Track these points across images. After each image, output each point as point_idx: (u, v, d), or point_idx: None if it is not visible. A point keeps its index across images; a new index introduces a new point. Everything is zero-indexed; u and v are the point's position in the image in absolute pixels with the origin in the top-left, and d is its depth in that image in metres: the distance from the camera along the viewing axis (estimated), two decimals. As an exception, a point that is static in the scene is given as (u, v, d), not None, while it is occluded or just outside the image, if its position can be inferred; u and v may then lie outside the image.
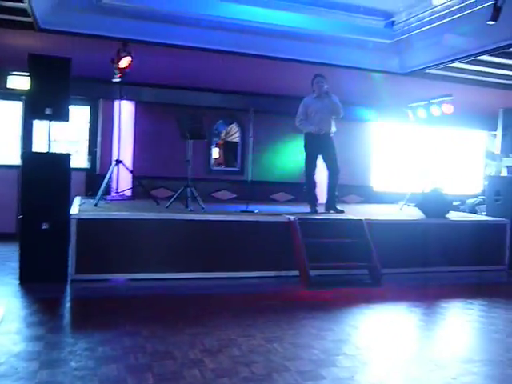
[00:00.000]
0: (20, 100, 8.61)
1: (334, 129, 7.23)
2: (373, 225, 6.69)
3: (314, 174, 7.28)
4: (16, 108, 8.71)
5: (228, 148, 10.17)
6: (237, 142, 9.94)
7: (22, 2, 6.51)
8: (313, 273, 5.99)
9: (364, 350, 3.94)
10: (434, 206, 7.50)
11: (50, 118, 5.76)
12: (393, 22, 8.84)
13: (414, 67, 9.55)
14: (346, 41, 9.01)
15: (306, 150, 7.28)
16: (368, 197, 10.48)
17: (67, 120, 5.85)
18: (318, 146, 7.14)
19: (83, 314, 4.69)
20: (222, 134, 10.12)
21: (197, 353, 3.65)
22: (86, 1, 7.35)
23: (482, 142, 11.85)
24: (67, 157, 5.70)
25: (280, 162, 9.66)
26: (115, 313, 4.66)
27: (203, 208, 6.80)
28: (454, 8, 7.64)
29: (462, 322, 5.03)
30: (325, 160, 7.23)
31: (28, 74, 5.73)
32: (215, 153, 9.98)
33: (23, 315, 4.51)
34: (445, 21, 7.94)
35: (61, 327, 4.31)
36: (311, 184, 7.29)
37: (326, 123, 7.12)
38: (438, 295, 6.04)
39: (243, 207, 6.99)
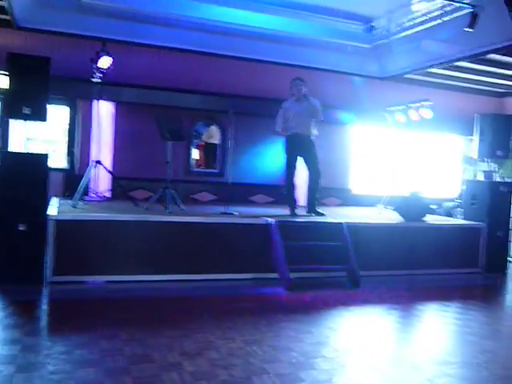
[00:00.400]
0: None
1: (315, 132, 7.24)
2: (352, 228, 6.74)
3: (293, 177, 7.28)
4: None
5: (208, 150, 10.14)
6: (216, 144, 9.92)
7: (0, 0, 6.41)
8: (292, 275, 6.01)
9: (342, 353, 3.97)
10: (412, 209, 7.60)
11: (28, 117, 5.70)
12: (372, 26, 8.92)
13: (392, 72, 9.64)
14: (325, 44, 9.06)
15: (286, 152, 7.28)
16: (347, 199, 10.56)
17: (45, 120, 5.79)
18: (298, 147, 7.15)
19: (60, 317, 4.63)
20: (203, 136, 10.08)
21: (175, 356, 3.64)
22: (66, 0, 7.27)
23: (460, 146, 12.04)
24: (45, 157, 5.63)
25: (260, 164, 9.68)
26: (93, 315, 4.62)
27: (183, 209, 6.77)
28: (433, 14, 7.77)
29: (438, 324, 5.11)
30: (306, 162, 7.24)
31: (6, 72, 5.66)
32: (195, 154, 9.95)
33: (-2, 318, 4.44)
34: (424, 27, 8.07)
35: (37, 330, 4.26)
36: (291, 186, 7.29)
37: (304, 126, 7.13)
38: (415, 297, 6.12)
39: (222, 209, 6.98)
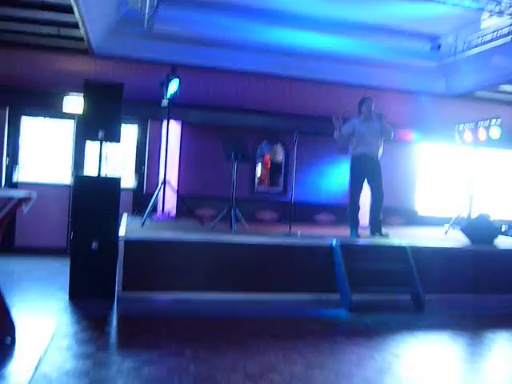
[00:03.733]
0: (73, 119, 8.97)
1: (381, 152, 7.19)
2: (416, 250, 6.61)
3: (359, 198, 7.20)
4: (69, 128, 9.08)
5: (272, 168, 10.25)
6: (281, 163, 10.03)
7: (78, 30, 6.84)
8: (354, 297, 5.97)
9: (405, 381, 3.91)
10: (481, 231, 7.34)
11: (103, 139, 6.01)
12: (439, 45, 8.82)
13: (461, 89, 9.46)
14: (391, 63, 9.03)
15: (352, 173, 7.23)
16: (412, 219, 10.36)
17: (119, 141, 6.11)
18: (365, 169, 7.08)
19: (129, 332, 4.81)
20: (268, 154, 10.19)
21: (239, 377, 3.71)
22: (137, 27, 7.67)
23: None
24: (117, 180, 5.94)
25: (323, 184, 9.71)
26: (159, 332, 4.78)
27: (247, 229, 6.89)
28: (503, 32, 7.58)
29: (509, 356, 4.91)
30: (370, 183, 7.17)
31: (83, 97, 6.02)
32: (259, 171, 10.08)
33: (73, 331, 4.67)
34: (493, 44, 7.88)
35: (108, 345, 4.47)
36: (355, 207, 7.21)
37: (373, 147, 7.05)
38: (483, 324, 5.88)
39: (286, 229, 7.05)
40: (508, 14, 6.97)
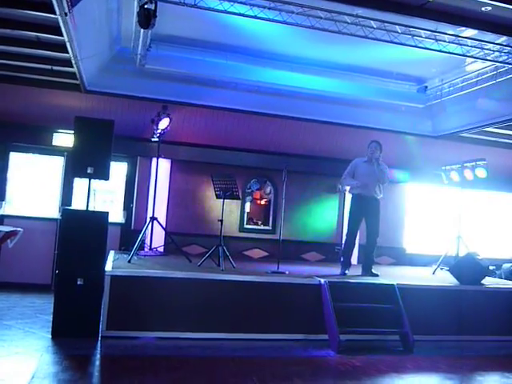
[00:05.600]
0: (62, 155, 8.98)
1: (381, 195, 7.28)
2: (405, 290, 6.59)
3: (355, 237, 7.30)
4: (58, 164, 9.07)
5: (261, 206, 10.26)
6: (269, 200, 10.05)
7: (71, 67, 6.91)
8: (342, 337, 5.90)
9: (395, 425, 3.84)
10: (468, 271, 7.34)
11: (92, 176, 5.98)
12: (425, 87, 9.03)
13: (446, 131, 9.61)
14: (378, 104, 9.19)
15: (351, 211, 7.35)
16: (400, 258, 10.36)
17: (107, 179, 6.07)
18: (363, 208, 7.19)
19: (113, 373, 4.70)
20: (258, 191, 10.21)
21: (224, 420, 3.63)
22: (130, 65, 7.77)
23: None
24: (105, 214, 5.89)
25: (312, 222, 9.73)
26: (143, 373, 4.66)
27: (234, 267, 6.85)
28: (487, 75, 7.78)
29: (499, 398, 4.85)
30: (367, 223, 7.26)
31: (73, 133, 6.03)
32: (248, 209, 10.07)
33: (54, 372, 4.54)
34: (478, 87, 8.07)
35: (91, 386, 4.35)
36: (350, 245, 7.30)
37: (371, 188, 7.17)
38: (473, 366, 5.81)
39: (274, 267, 7.01)
40: (491, 60, 7.16)
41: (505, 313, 7.07)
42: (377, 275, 7.17)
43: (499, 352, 6.55)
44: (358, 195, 7.22)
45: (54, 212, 8.93)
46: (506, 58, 7.10)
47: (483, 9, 5.91)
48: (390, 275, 7.50)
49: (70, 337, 5.50)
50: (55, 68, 7.52)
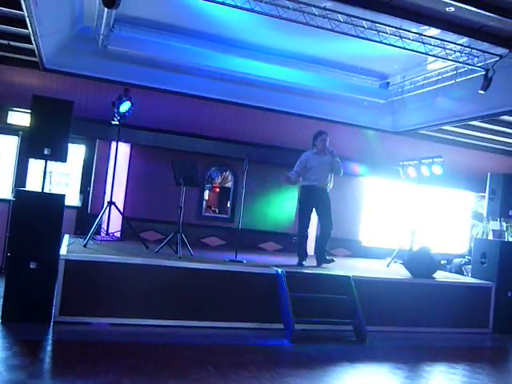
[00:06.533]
0: (17, 135, 8.69)
1: (331, 185, 7.32)
2: (360, 281, 6.71)
3: (307, 228, 7.32)
4: (11, 142, 8.78)
5: (221, 193, 10.25)
6: (230, 188, 10.03)
7: (30, 43, 6.67)
8: (297, 327, 5.96)
9: (346, 413, 3.91)
10: (421, 265, 7.54)
11: (48, 157, 5.79)
12: (388, 83, 9.17)
13: (406, 127, 9.81)
14: (341, 98, 9.29)
15: (301, 203, 7.35)
16: (356, 251, 10.55)
17: (65, 161, 5.90)
18: (314, 199, 7.18)
19: (64, 359, 4.60)
20: (218, 180, 10.19)
21: (178, 408, 3.61)
22: (92, 45, 7.56)
23: (470, 202, 12.06)
24: (61, 197, 5.73)
25: (271, 212, 9.78)
26: (97, 359, 4.59)
27: (192, 255, 6.81)
28: (447, 75, 7.96)
29: (445, 388, 5.02)
30: (319, 214, 7.29)
31: (29, 112, 5.82)
32: (207, 197, 10.04)
33: (3, 357, 4.41)
34: (438, 86, 8.26)
35: (41, 372, 4.24)
36: (304, 237, 7.32)
37: (323, 179, 7.18)
38: (422, 357, 6.00)
39: (232, 256, 7.01)
40: (451, 60, 7.33)
41: (454, 306, 7.32)
42: (332, 260, 7.28)
43: (446, 344, 6.78)
44: (308, 187, 7.17)
45: (6, 193, 8.65)
46: (465, 58, 7.29)
47: (447, 9, 6.04)
48: (345, 267, 7.62)
49: (21, 321, 5.36)
50: (12, 43, 7.26)
